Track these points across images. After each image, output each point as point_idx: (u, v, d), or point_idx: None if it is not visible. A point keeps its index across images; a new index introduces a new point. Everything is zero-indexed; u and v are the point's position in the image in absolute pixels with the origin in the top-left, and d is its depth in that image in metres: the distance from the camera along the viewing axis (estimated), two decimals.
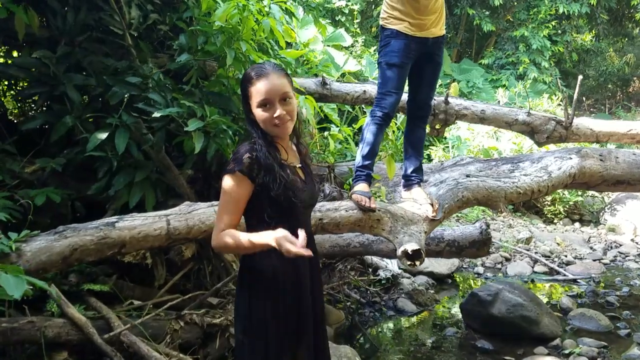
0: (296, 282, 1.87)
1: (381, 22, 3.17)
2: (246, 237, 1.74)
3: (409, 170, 3.32)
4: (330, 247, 3.94)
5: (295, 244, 1.61)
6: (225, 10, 3.38)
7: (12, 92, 4.62)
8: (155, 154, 3.67)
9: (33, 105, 4.46)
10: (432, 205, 3.11)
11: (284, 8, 4.45)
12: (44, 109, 3.96)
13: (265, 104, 1.82)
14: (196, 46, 3.70)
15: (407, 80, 3.22)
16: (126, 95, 3.54)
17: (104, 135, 3.38)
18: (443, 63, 3.37)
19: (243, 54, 3.52)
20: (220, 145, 3.57)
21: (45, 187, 3.47)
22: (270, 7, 3.62)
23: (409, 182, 3.33)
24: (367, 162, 3.14)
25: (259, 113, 1.83)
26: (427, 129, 5.31)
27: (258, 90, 1.81)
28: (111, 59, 3.80)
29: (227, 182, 1.78)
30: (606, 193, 8.41)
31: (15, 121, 4.55)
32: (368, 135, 3.11)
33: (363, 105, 5.77)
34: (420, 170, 3.34)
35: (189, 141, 3.62)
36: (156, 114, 3.32)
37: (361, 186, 3.06)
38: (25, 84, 4.32)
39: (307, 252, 1.60)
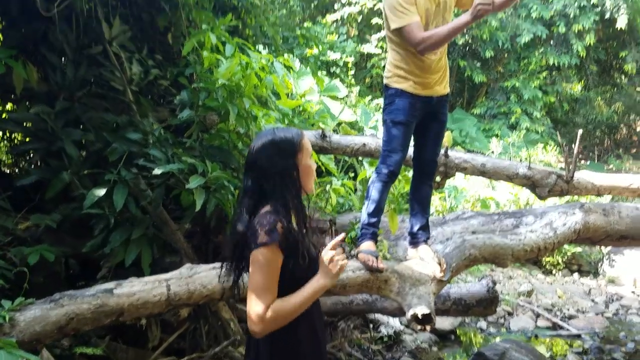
0: (317, 349, 1.86)
1: (385, 81, 3.16)
2: (297, 299, 1.71)
3: (415, 228, 3.25)
4: (333, 305, 3.83)
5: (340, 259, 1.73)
6: (228, 67, 3.37)
7: (5, 142, 4.55)
8: (153, 209, 3.59)
9: (29, 159, 4.40)
10: (439, 264, 3.03)
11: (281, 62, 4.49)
12: (40, 164, 3.89)
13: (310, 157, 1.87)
14: (198, 102, 3.68)
15: (412, 138, 3.19)
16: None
17: (101, 192, 3.30)
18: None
19: (246, 110, 3.50)
20: (220, 200, 3.50)
21: (39, 244, 3.36)
22: (273, 65, 3.63)
23: (415, 239, 3.25)
24: (373, 220, 3.07)
25: (309, 164, 1.85)
26: None
27: (309, 142, 1.87)
28: (111, 114, 3.76)
29: (263, 256, 1.68)
30: None
31: (9, 173, 4.47)
32: (374, 192, 3.06)
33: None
34: (426, 227, 3.27)
35: (187, 195, 3.55)
36: (157, 171, 3.25)
37: (367, 245, 2.98)
38: (21, 139, 4.27)
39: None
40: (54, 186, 3.42)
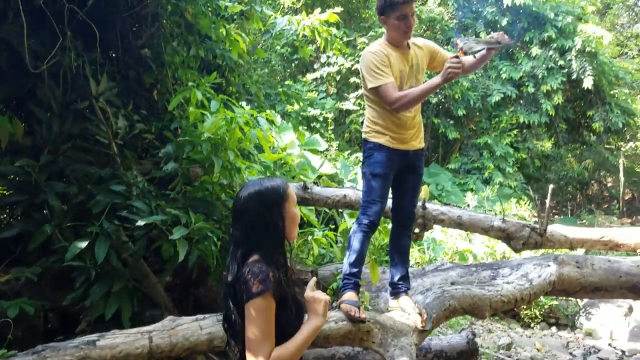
0: None
1: (364, 136, 3.30)
2: (295, 344, 1.76)
3: (396, 278, 3.31)
4: (315, 359, 3.79)
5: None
6: (214, 122, 3.49)
7: None
8: (134, 262, 3.59)
9: (9, 212, 4.38)
10: (420, 314, 3.07)
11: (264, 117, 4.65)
12: (21, 217, 3.88)
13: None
14: (182, 154, 3.76)
15: (390, 190, 3.31)
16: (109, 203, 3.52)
17: (83, 244, 3.32)
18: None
19: (230, 162, 3.60)
20: (202, 251, 3.52)
21: (18, 296, 3.32)
22: (257, 119, 3.76)
23: (396, 290, 3.30)
24: (354, 270, 3.12)
25: (295, 212, 1.92)
26: None
27: (293, 191, 1.94)
28: (95, 166, 3.81)
29: (258, 306, 1.70)
30: None
31: None
32: (355, 242, 3.13)
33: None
34: (407, 278, 3.33)
35: (168, 247, 3.57)
36: (140, 223, 3.29)
37: (349, 295, 3.03)
38: (3, 192, 4.26)
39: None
40: (36, 239, 3.42)
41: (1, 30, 3.59)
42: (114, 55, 4.29)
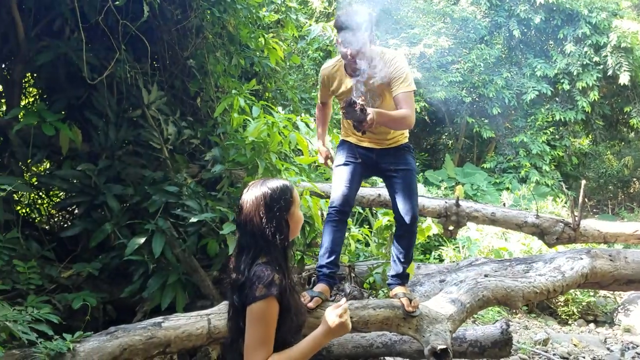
0: None
1: None
2: (298, 350, 1.75)
3: (392, 273, 3.35)
4: (353, 348, 4.00)
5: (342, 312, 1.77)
6: (256, 127, 3.74)
7: (45, 199, 4.88)
8: (186, 256, 3.86)
9: (66, 214, 4.73)
10: (410, 300, 3.12)
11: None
12: (82, 216, 4.20)
13: None
14: (227, 157, 4.03)
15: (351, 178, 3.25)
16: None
17: (142, 240, 3.61)
18: (413, 169, 3.33)
19: (272, 164, 3.84)
20: None
21: (80, 290, 3.63)
22: (296, 123, 4.01)
23: (390, 283, 3.37)
24: (323, 261, 3.13)
25: (300, 215, 1.96)
26: (438, 231, 5.52)
27: (297, 193, 1.95)
28: (147, 170, 4.12)
29: (263, 308, 1.71)
30: (618, 293, 8.42)
31: (47, 228, 4.78)
32: (324, 234, 3.18)
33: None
34: (401, 276, 3.32)
35: (214, 244, 3.82)
36: (193, 219, 3.56)
37: (318, 287, 3.08)
38: (62, 195, 4.60)
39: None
40: (97, 236, 3.74)
41: (61, 45, 3.92)
42: (162, 66, 4.60)
